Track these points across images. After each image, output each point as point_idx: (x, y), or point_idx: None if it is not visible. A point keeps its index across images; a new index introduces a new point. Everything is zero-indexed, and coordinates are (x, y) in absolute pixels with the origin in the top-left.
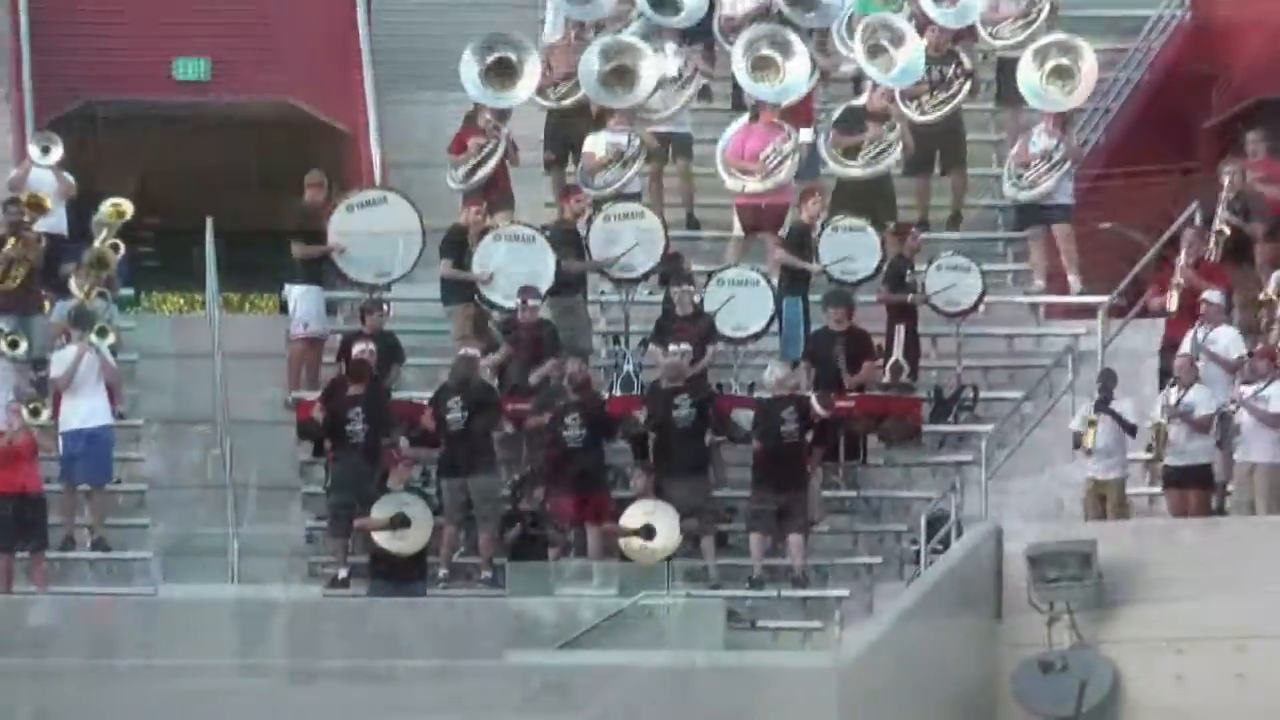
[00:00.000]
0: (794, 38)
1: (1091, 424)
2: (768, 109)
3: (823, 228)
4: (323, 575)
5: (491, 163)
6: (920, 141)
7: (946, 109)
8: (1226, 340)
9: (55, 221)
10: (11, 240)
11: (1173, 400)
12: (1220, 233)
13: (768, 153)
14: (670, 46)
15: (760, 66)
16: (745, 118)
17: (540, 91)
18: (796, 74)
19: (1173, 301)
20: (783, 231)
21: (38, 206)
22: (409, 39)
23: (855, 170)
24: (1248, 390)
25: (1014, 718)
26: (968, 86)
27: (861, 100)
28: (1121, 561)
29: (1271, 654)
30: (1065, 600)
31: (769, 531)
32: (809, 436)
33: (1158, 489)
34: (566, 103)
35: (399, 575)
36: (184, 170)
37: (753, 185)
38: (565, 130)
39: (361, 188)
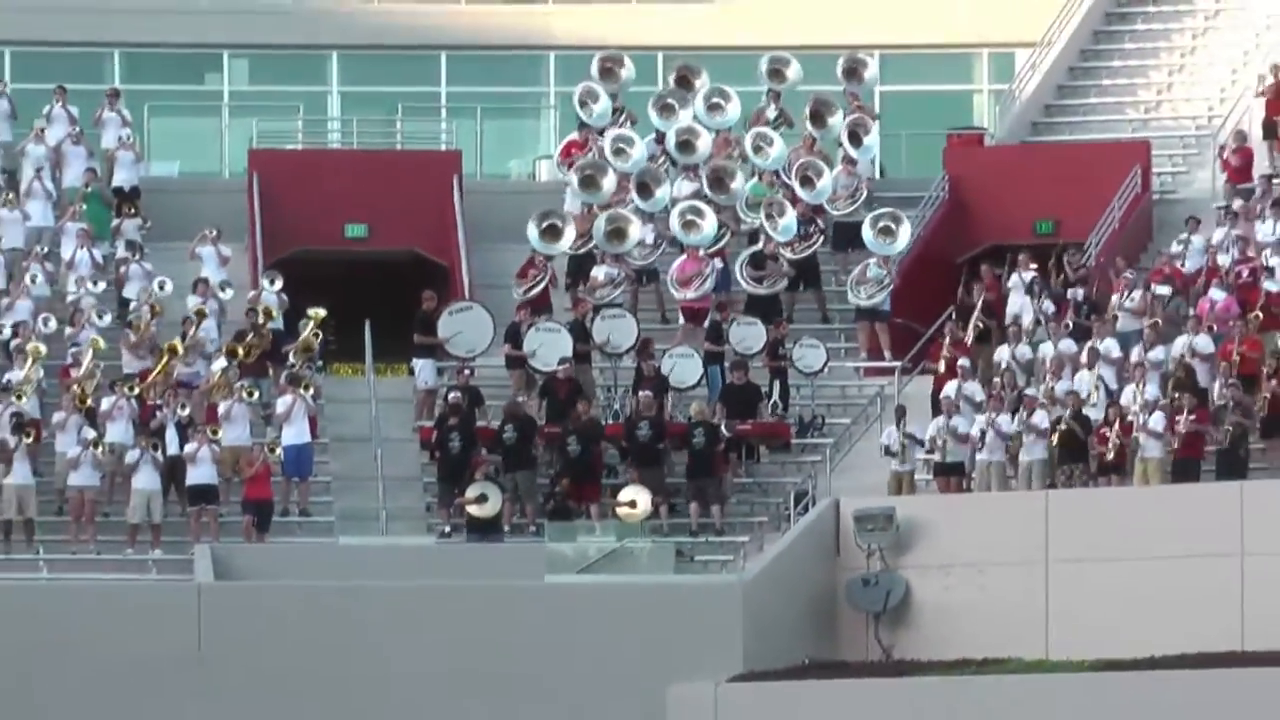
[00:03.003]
0: (708, 209)
1: (903, 445)
2: (693, 250)
3: (731, 323)
4: (435, 530)
5: (541, 285)
6: (796, 270)
7: (808, 252)
8: (973, 390)
9: (277, 323)
10: (251, 334)
11: (942, 425)
12: (976, 325)
13: (694, 275)
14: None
15: (688, 226)
16: (684, 255)
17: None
18: (708, 231)
19: (941, 365)
20: (706, 324)
21: (267, 315)
22: (485, 209)
23: (760, 290)
24: (988, 419)
25: (846, 613)
26: (820, 238)
27: (759, 246)
28: (910, 519)
29: (1002, 574)
30: (876, 542)
31: (700, 502)
32: (722, 447)
33: (931, 476)
34: (582, 250)
35: (481, 530)
36: (352, 291)
37: (690, 294)
38: (580, 265)
39: (457, 300)
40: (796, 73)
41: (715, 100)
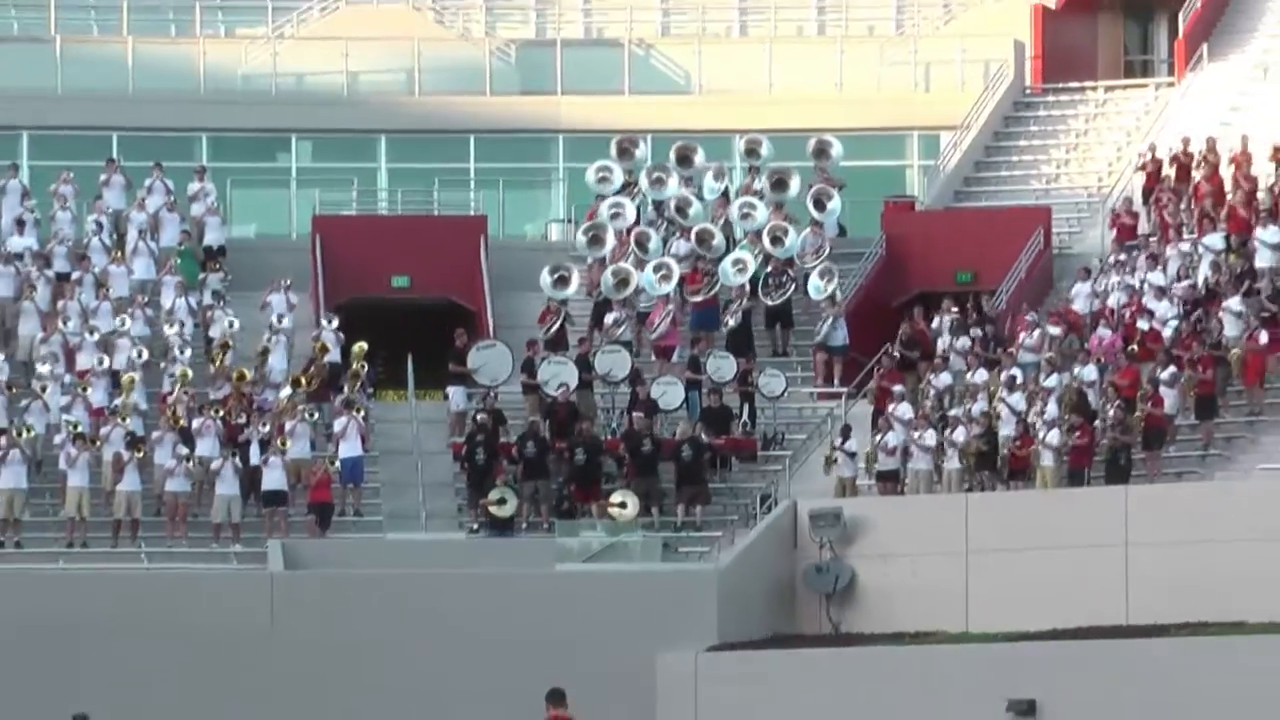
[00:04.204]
0: (676, 266)
1: (833, 457)
2: (662, 300)
3: (708, 356)
4: (465, 527)
5: (556, 327)
6: (770, 314)
7: (782, 300)
8: (904, 410)
9: (334, 356)
10: (314, 366)
11: (879, 439)
12: (902, 357)
13: (663, 317)
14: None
15: (664, 278)
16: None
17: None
18: (675, 281)
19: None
20: (685, 357)
21: (326, 350)
22: (506, 263)
23: (772, 301)
24: (916, 434)
25: (803, 595)
26: (793, 286)
27: (769, 269)
28: (855, 517)
29: (930, 562)
30: (827, 536)
31: (691, 502)
32: (704, 455)
33: (872, 481)
34: (600, 299)
35: (501, 527)
36: (397, 331)
37: (653, 336)
38: (599, 311)
39: (483, 338)
40: (768, 150)
41: (717, 173)
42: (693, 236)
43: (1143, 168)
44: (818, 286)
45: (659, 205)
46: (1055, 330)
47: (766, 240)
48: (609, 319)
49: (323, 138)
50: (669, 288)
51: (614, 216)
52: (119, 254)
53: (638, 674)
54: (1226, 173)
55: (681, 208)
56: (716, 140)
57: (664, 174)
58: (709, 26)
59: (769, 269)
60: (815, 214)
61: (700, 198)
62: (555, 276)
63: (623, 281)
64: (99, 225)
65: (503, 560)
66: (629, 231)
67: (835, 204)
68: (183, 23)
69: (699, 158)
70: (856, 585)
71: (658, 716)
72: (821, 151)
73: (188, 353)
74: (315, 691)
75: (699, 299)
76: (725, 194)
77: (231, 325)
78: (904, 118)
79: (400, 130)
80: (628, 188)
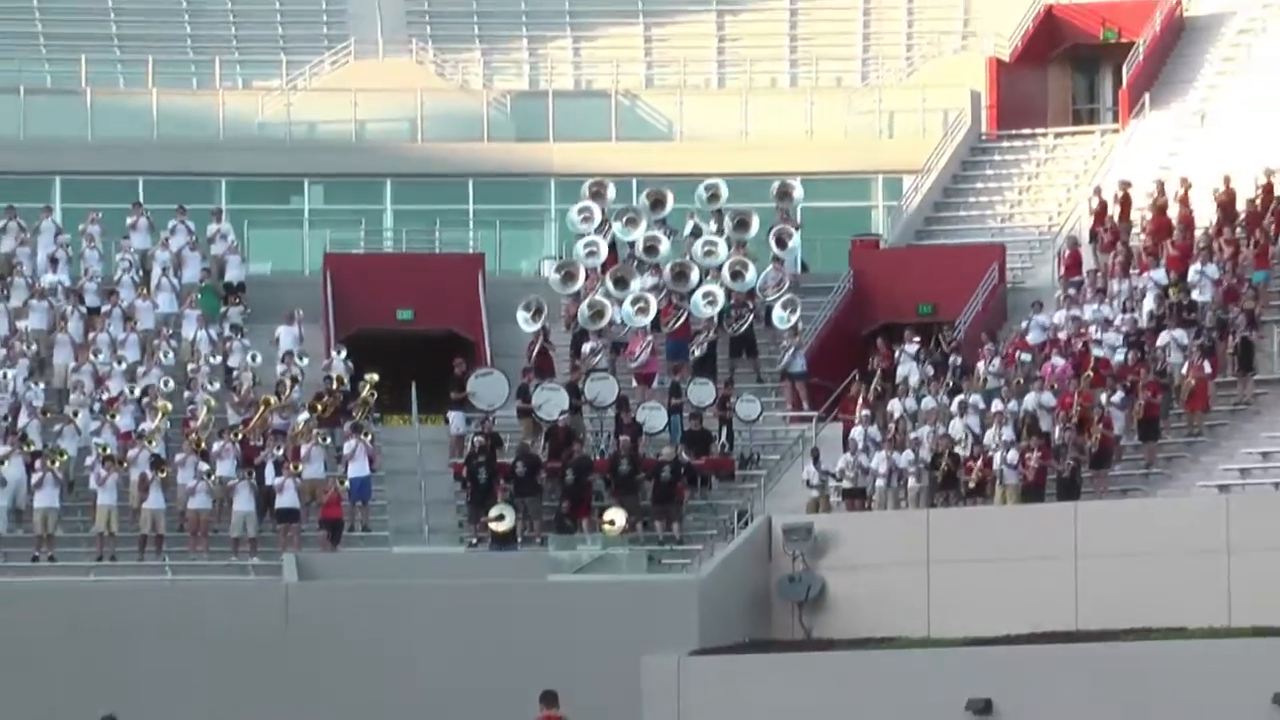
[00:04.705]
0: (654, 300)
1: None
2: (641, 331)
3: (689, 383)
4: (465, 541)
5: (537, 350)
6: (734, 343)
7: (744, 328)
8: (873, 433)
9: (345, 386)
10: (327, 395)
11: (849, 460)
12: (875, 387)
13: (643, 347)
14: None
15: (641, 311)
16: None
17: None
18: (652, 315)
19: (848, 414)
20: (667, 385)
21: (340, 381)
22: (502, 297)
23: (733, 331)
24: (882, 455)
25: (777, 603)
26: (751, 317)
27: (730, 301)
28: (825, 531)
29: (895, 572)
30: (799, 549)
31: (666, 519)
32: (685, 475)
33: (841, 499)
34: (577, 330)
35: (500, 541)
36: (401, 360)
37: (633, 365)
38: (577, 341)
39: (481, 367)
40: (726, 194)
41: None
42: (667, 273)
43: (1090, 211)
44: (781, 317)
45: (631, 244)
46: (1025, 357)
47: (727, 274)
48: (586, 348)
49: (333, 181)
50: (646, 320)
51: (589, 254)
52: (145, 290)
53: (625, 676)
54: (1169, 213)
55: (650, 247)
56: (696, 183)
57: (635, 215)
58: (689, 78)
59: (730, 301)
60: (776, 251)
61: (670, 235)
62: (531, 311)
63: (597, 314)
64: (127, 264)
65: (499, 572)
66: (603, 268)
67: (795, 242)
68: (203, 75)
69: (670, 202)
70: (827, 594)
71: (644, 716)
72: (784, 193)
73: (216, 385)
74: (326, 692)
75: (668, 330)
76: (695, 232)
77: (255, 359)
78: (869, 162)
79: (404, 174)
80: (602, 226)
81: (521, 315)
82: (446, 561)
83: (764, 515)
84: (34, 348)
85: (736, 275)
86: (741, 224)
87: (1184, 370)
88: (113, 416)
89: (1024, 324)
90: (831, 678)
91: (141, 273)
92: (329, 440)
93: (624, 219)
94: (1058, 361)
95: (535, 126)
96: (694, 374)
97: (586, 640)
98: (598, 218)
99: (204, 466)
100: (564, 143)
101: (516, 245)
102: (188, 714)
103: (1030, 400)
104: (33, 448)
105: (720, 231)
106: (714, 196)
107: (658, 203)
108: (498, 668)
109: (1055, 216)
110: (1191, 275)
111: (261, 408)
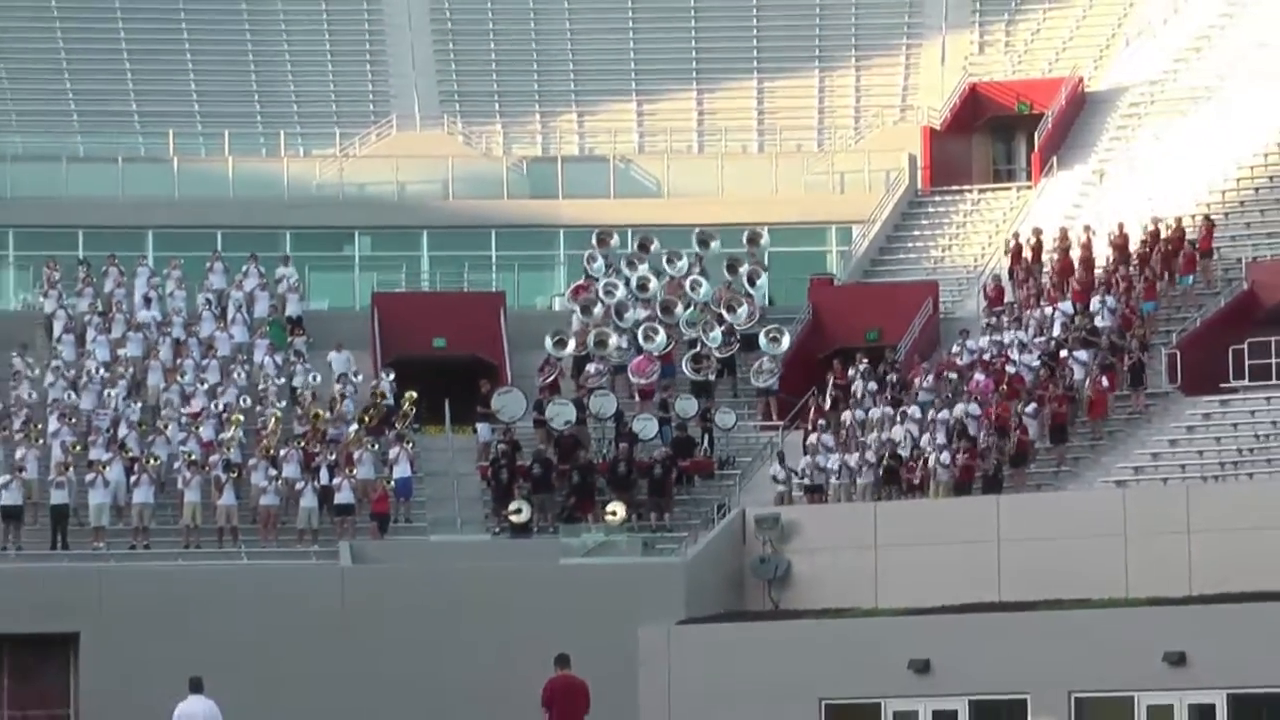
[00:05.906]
0: (660, 327)
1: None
2: (648, 354)
3: (676, 399)
4: (490, 531)
5: (553, 378)
6: (719, 365)
7: (729, 354)
8: (828, 439)
9: (389, 401)
10: (373, 408)
11: (809, 461)
12: (835, 400)
13: (646, 368)
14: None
15: (646, 339)
16: (640, 356)
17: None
18: (659, 341)
19: (808, 423)
20: (657, 400)
21: (383, 396)
22: (521, 328)
23: (698, 378)
24: (836, 457)
25: (750, 581)
26: (737, 345)
27: (697, 349)
28: (790, 521)
29: (848, 554)
30: (768, 536)
31: (658, 511)
32: (673, 474)
33: (802, 494)
34: (582, 354)
35: (519, 531)
36: (437, 380)
37: (642, 381)
38: (580, 363)
39: (503, 386)
40: (716, 242)
41: (669, 257)
42: (658, 307)
43: (1008, 253)
44: (766, 344)
45: (627, 283)
46: (953, 375)
47: (723, 309)
48: (590, 369)
49: (379, 233)
50: (653, 345)
51: (608, 293)
52: (222, 323)
53: (624, 643)
54: (1073, 254)
55: (642, 284)
56: (679, 232)
57: (636, 259)
58: (674, 145)
59: (723, 329)
60: (749, 289)
61: (660, 274)
62: (555, 339)
63: (601, 342)
64: (207, 301)
65: (518, 556)
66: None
67: (763, 281)
68: (270, 145)
69: (655, 246)
70: (791, 573)
71: (640, 676)
72: (754, 240)
73: (282, 402)
74: (376, 656)
75: (659, 353)
76: (699, 271)
77: (315, 379)
78: (825, 214)
79: (438, 226)
80: (609, 268)
81: (548, 342)
82: (475, 548)
83: (739, 508)
84: (131, 371)
85: (731, 309)
86: (731, 267)
87: (1087, 385)
88: (197, 428)
89: (955, 347)
90: (796, 642)
91: (219, 309)
92: (377, 447)
93: (627, 261)
94: (981, 378)
95: (547, 186)
96: (693, 393)
97: (591, 612)
98: (599, 262)
99: (273, 471)
100: (571, 199)
101: (532, 285)
102: (261, 676)
103: (959, 410)
104: (131, 454)
105: (704, 273)
106: (704, 242)
107: (643, 246)
108: (517, 636)
109: (980, 258)
110: (1093, 305)
111: (313, 420)
